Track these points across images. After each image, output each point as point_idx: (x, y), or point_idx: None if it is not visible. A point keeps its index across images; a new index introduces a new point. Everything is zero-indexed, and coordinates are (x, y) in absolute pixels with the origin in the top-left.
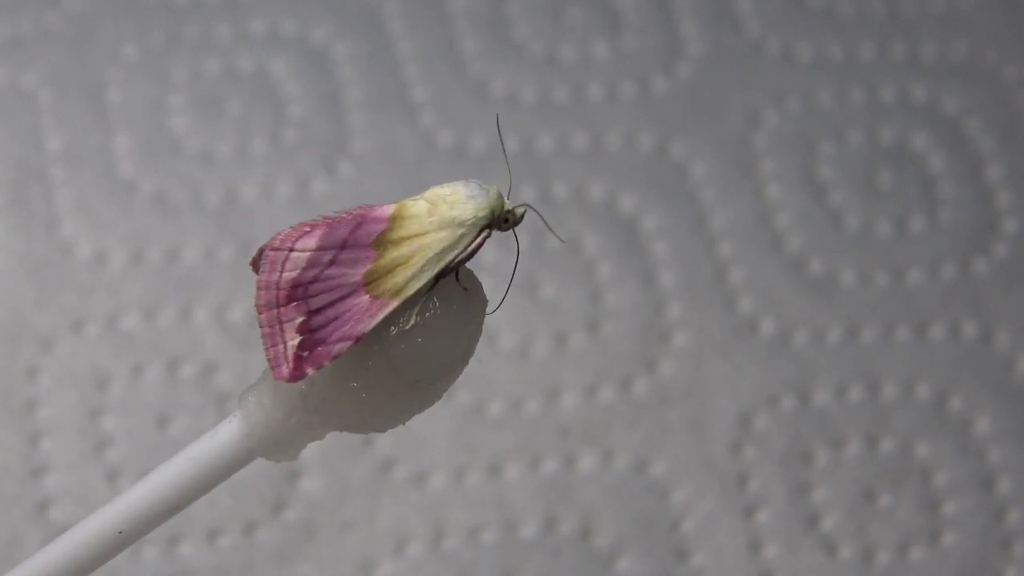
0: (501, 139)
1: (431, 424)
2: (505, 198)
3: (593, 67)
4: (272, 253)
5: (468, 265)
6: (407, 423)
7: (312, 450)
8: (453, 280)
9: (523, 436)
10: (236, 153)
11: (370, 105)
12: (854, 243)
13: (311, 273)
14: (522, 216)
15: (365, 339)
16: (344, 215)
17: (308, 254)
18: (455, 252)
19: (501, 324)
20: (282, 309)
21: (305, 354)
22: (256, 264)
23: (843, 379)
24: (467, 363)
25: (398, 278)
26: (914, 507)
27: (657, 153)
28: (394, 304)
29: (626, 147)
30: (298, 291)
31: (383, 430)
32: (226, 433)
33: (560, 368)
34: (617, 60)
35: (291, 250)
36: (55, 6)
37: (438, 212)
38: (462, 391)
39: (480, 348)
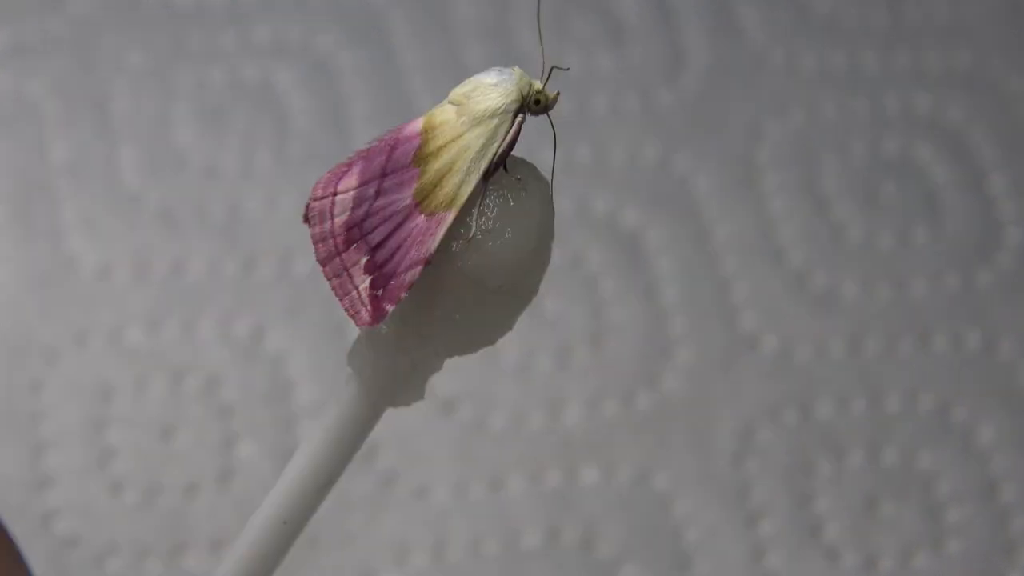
0: (539, 16)
1: (433, 438)
2: (535, 80)
3: (596, 78)
4: (317, 203)
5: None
6: (514, 328)
7: None
8: (504, 174)
9: (526, 449)
10: (241, 166)
11: (375, 117)
12: (856, 255)
13: (361, 210)
14: (556, 98)
15: (434, 260)
16: (375, 143)
17: (352, 192)
18: (496, 144)
19: (503, 339)
20: (343, 255)
21: (379, 292)
22: (307, 220)
23: (846, 391)
24: (549, 248)
25: (447, 187)
26: (917, 515)
27: (660, 167)
28: (451, 215)
29: (629, 161)
30: (354, 232)
31: (494, 342)
32: (347, 396)
33: (563, 382)
34: (620, 71)
35: (335, 194)
36: (59, 12)
37: (467, 110)
38: (464, 405)
39: (482, 363)
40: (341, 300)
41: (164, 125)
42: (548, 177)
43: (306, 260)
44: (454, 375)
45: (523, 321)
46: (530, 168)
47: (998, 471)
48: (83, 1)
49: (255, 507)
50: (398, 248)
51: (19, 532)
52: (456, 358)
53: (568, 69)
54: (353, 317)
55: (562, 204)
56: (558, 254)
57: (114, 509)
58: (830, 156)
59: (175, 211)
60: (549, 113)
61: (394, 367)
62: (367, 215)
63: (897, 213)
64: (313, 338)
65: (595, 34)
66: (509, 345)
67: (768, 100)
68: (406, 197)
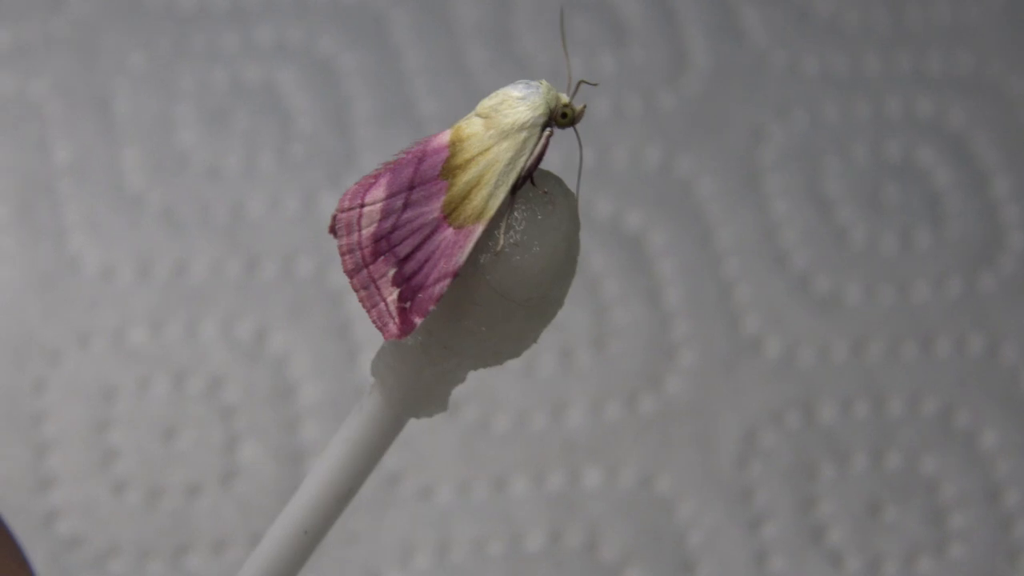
0: (563, 33)
1: (437, 439)
2: (562, 93)
3: (599, 80)
4: (344, 215)
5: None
6: (537, 340)
7: None
8: (531, 187)
9: (529, 451)
10: (243, 167)
11: (377, 118)
12: (860, 259)
13: (389, 222)
14: (582, 111)
15: (462, 272)
16: (403, 156)
17: (380, 204)
18: (524, 158)
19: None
20: (371, 267)
21: (407, 304)
22: (334, 231)
23: (849, 395)
24: (575, 262)
25: (476, 201)
26: (920, 520)
27: (663, 169)
28: (480, 228)
29: (632, 163)
30: (381, 244)
31: (519, 354)
32: (370, 406)
33: (566, 384)
34: (623, 73)
35: (362, 206)
36: (61, 12)
37: (495, 124)
38: (468, 406)
39: None
40: (369, 312)
41: (166, 126)
42: (574, 189)
43: (309, 261)
44: None
45: None
46: (557, 181)
47: (1001, 476)
48: (85, 2)
49: (258, 508)
50: (426, 261)
51: (21, 532)
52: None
53: (597, 84)
54: (381, 329)
55: None
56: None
57: (116, 510)
58: (833, 159)
59: (178, 212)
60: (575, 127)
61: (418, 378)
62: (395, 227)
63: (900, 216)
64: (316, 339)
65: (597, 35)
66: None
67: (770, 103)
68: (434, 210)
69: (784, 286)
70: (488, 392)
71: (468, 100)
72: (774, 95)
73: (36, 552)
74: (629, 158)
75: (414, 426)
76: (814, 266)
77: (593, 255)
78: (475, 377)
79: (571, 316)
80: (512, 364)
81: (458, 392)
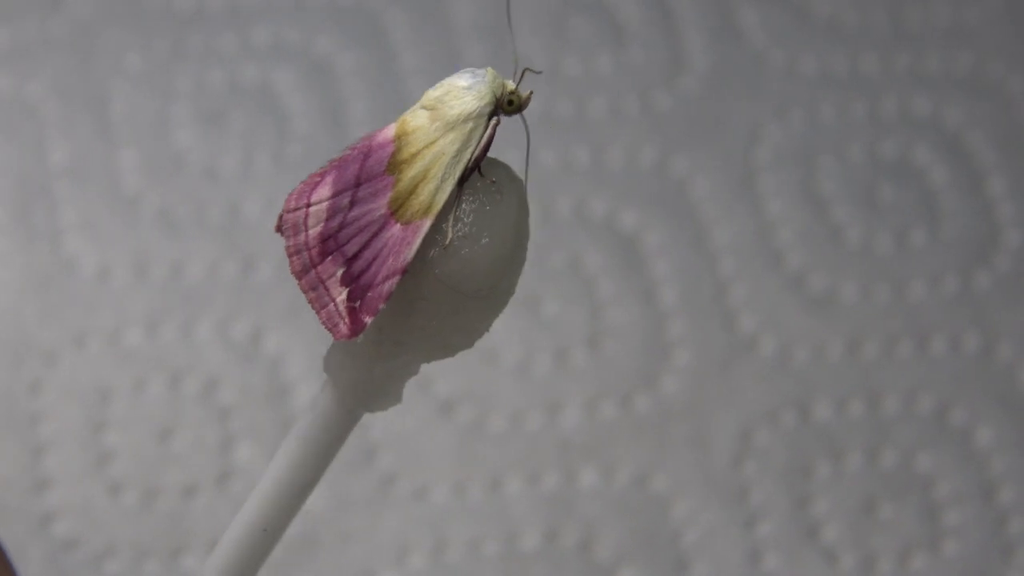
0: (509, 19)
1: (432, 439)
2: (507, 80)
3: (596, 80)
4: (290, 215)
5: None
6: (486, 332)
7: None
8: (479, 177)
9: (524, 450)
10: (240, 169)
11: (374, 119)
12: (855, 258)
13: (335, 221)
14: (528, 98)
15: (411, 268)
16: (348, 152)
17: (326, 203)
18: (470, 149)
19: (502, 340)
20: (319, 268)
21: (357, 304)
22: (280, 230)
23: (844, 394)
24: (525, 249)
25: (423, 196)
26: (915, 517)
27: (658, 169)
28: (427, 223)
29: (628, 163)
30: (329, 244)
31: (471, 345)
32: (323, 403)
33: (561, 384)
34: (620, 73)
35: (308, 206)
36: (59, 13)
37: (440, 115)
38: (463, 406)
39: (481, 364)
40: (318, 313)
41: (163, 127)
42: (522, 176)
43: None
44: (453, 376)
45: (522, 322)
46: (505, 169)
47: (996, 473)
48: (83, 2)
49: None
50: (375, 259)
51: (18, 533)
52: (442, 360)
53: (540, 72)
54: (331, 330)
55: (560, 205)
56: (556, 256)
57: (113, 510)
58: (829, 158)
59: (174, 213)
60: (522, 113)
61: (370, 374)
62: (342, 226)
63: (896, 215)
64: (311, 340)
65: (595, 36)
66: (508, 346)
67: (768, 102)
68: (381, 207)
69: (779, 285)
70: (483, 392)
71: None
72: (771, 95)
73: (33, 553)
74: (625, 158)
75: (409, 426)
76: (809, 265)
77: (588, 254)
78: (470, 377)
79: (566, 315)
80: (507, 364)
81: (453, 392)
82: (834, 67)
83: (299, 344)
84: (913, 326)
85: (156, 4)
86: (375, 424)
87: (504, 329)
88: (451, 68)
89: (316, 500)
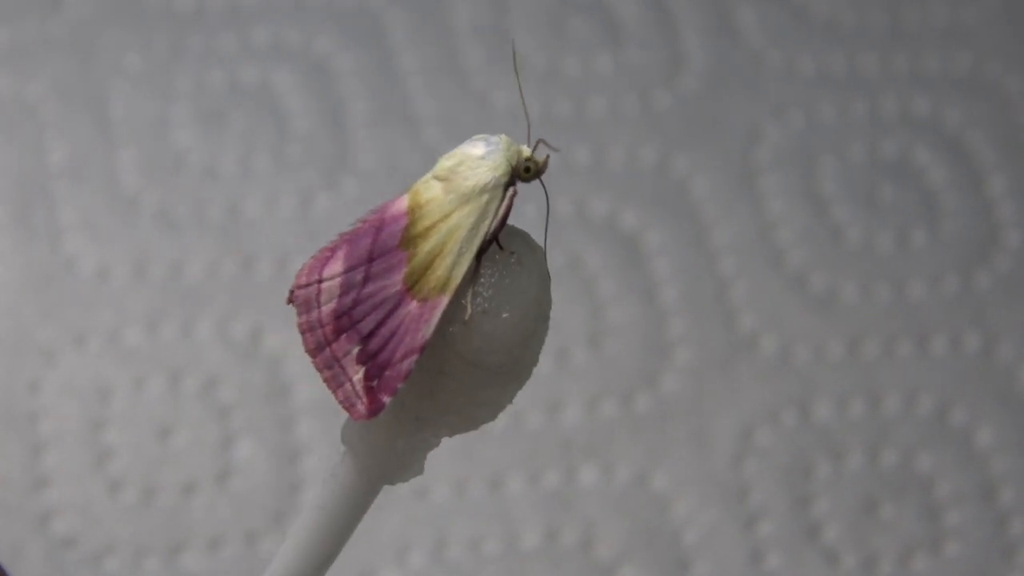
0: (519, 84)
1: None
2: (523, 147)
3: (595, 80)
4: (302, 291)
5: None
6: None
7: (313, 463)
8: (497, 250)
9: (525, 449)
10: (239, 168)
11: (373, 119)
12: (855, 257)
13: (349, 298)
14: (546, 163)
15: (431, 345)
16: (360, 225)
17: (339, 279)
18: (487, 221)
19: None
20: (334, 346)
21: (375, 383)
22: (292, 303)
23: (844, 393)
24: (547, 320)
25: (439, 271)
26: (916, 517)
27: (659, 168)
28: (445, 299)
29: (628, 162)
30: (343, 321)
31: (494, 418)
32: (343, 473)
33: (562, 383)
34: (619, 73)
35: (320, 281)
36: (58, 13)
37: (454, 187)
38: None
39: None
40: (335, 393)
41: (163, 126)
42: (541, 242)
43: (304, 262)
44: None
45: None
46: (523, 238)
47: (997, 473)
48: (82, 2)
49: (253, 507)
50: (391, 336)
51: (17, 531)
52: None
53: (559, 150)
54: (348, 410)
55: (561, 205)
56: (557, 255)
57: (112, 509)
58: (829, 158)
59: (174, 212)
60: (540, 178)
61: (392, 448)
62: (356, 302)
63: (896, 215)
64: None
65: (594, 35)
66: None
67: (767, 102)
68: (396, 283)
69: (780, 285)
70: None
71: (464, 101)
72: (770, 94)
73: (32, 552)
74: (625, 157)
75: None
76: (810, 265)
77: (589, 254)
78: (550, 317)
79: (567, 315)
80: None
81: None
82: (832, 67)
83: (299, 343)
84: (913, 326)
85: (156, 4)
86: None
87: None
88: (450, 68)
89: (316, 500)
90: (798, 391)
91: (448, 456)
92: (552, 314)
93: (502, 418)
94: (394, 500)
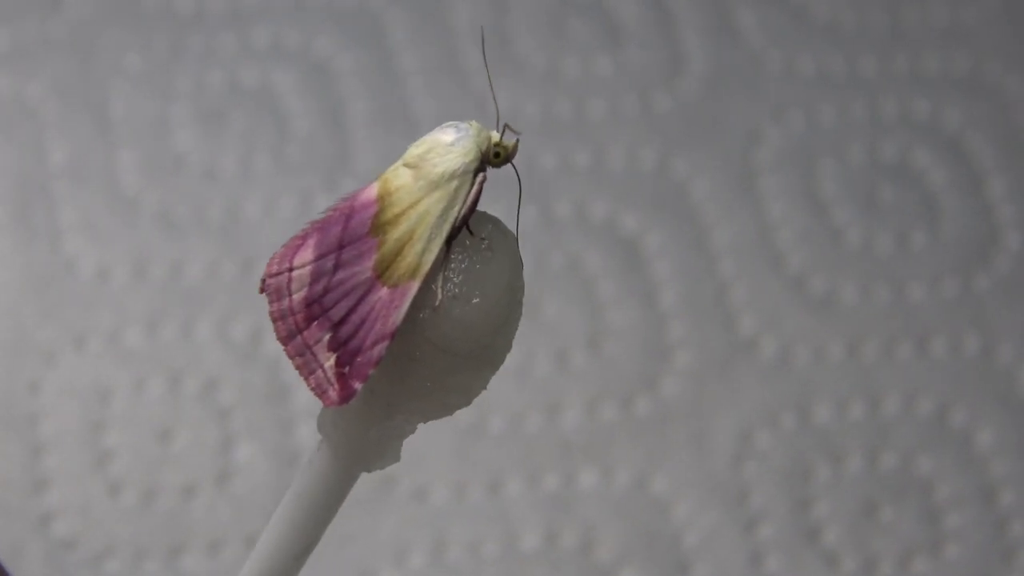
0: (487, 69)
1: (432, 440)
2: (493, 132)
3: (595, 82)
4: (273, 280)
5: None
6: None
7: None
8: (468, 235)
9: (524, 452)
10: (239, 169)
11: (373, 120)
12: (855, 259)
13: (320, 285)
14: (515, 147)
15: (401, 330)
16: (330, 213)
17: (309, 267)
18: (457, 207)
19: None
20: (305, 333)
21: (346, 369)
22: (264, 292)
23: (844, 395)
24: (520, 306)
25: (409, 257)
26: (915, 520)
27: (659, 171)
28: (415, 286)
29: (628, 164)
30: (314, 308)
31: (468, 403)
32: (320, 462)
33: (561, 385)
34: (619, 74)
35: (291, 270)
36: (58, 14)
37: (423, 174)
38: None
39: None
40: (307, 380)
41: (163, 127)
42: (513, 228)
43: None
44: None
45: (522, 323)
46: (494, 223)
47: (997, 475)
48: (82, 2)
49: (253, 508)
50: (362, 323)
51: (17, 533)
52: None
53: (521, 133)
54: (320, 397)
55: (560, 208)
56: (557, 258)
57: (112, 510)
58: (829, 160)
59: (174, 213)
60: (512, 162)
61: (365, 435)
62: (326, 290)
63: (896, 217)
64: None
65: (594, 37)
66: None
67: (767, 104)
68: (366, 269)
69: (780, 287)
70: (483, 393)
71: (464, 101)
72: (770, 96)
73: (32, 553)
74: (625, 159)
75: None
76: (810, 267)
77: (589, 256)
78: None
79: (566, 317)
80: (508, 365)
81: None
82: (832, 68)
83: None
84: (913, 327)
85: (156, 4)
86: None
87: None
88: (450, 69)
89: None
90: (798, 393)
91: (448, 458)
92: (551, 316)
93: (502, 420)
94: (393, 502)
